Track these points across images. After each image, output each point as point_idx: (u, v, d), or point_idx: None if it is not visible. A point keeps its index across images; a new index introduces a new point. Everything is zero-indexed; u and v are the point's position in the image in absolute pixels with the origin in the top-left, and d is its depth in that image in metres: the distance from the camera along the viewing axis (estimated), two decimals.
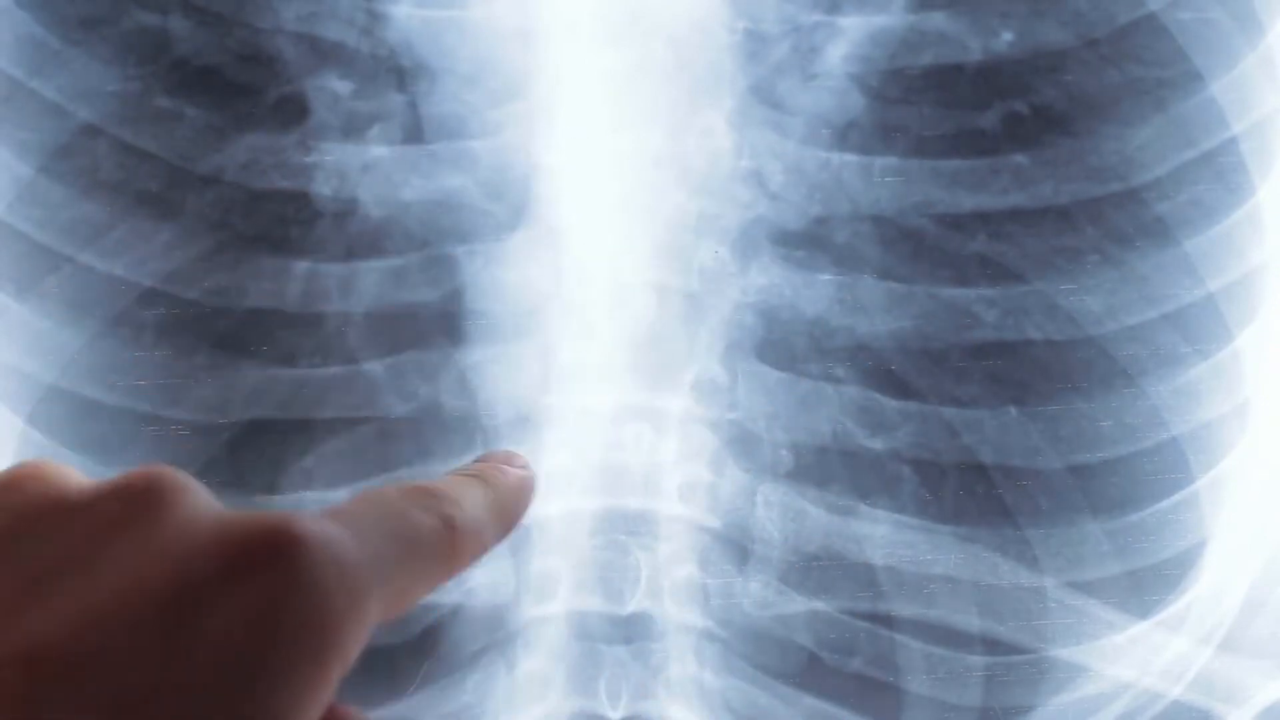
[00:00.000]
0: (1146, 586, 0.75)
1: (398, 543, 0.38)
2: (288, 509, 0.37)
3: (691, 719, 0.74)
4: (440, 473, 0.71)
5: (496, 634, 0.73)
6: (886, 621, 0.74)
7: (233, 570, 0.34)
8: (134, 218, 0.70)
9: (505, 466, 0.48)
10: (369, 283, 0.70)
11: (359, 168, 0.70)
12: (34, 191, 0.69)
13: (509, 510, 0.46)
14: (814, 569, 0.74)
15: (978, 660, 0.74)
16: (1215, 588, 0.75)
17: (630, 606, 0.74)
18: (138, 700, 0.32)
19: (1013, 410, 0.73)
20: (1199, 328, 0.74)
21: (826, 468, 0.74)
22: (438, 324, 0.71)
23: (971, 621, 0.74)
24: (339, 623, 0.34)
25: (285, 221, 0.70)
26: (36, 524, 0.35)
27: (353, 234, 0.70)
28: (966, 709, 0.74)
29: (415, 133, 0.70)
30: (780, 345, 0.73)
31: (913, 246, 0.73)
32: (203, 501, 0.37)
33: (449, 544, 0.41)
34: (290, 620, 0.33)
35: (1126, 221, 0.73)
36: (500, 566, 0.73)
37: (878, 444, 0.73)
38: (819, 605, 0.74)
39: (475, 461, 0.49)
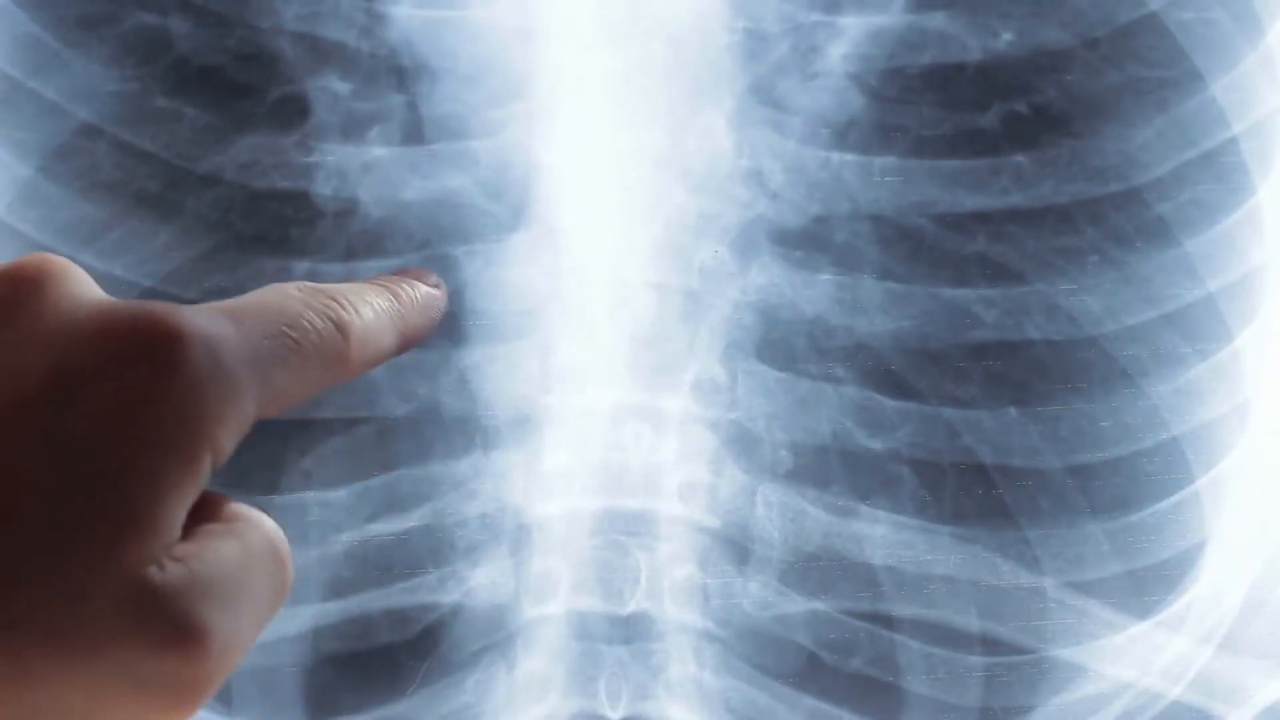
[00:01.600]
0: (1146, 587, 0.75)
1: (282, 341, 0.38)
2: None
3: (691, 719, 0.74)
4: (440, 475, 0.71)
5: (496, 634, 0.73)
6: (886, 622, 0.74)
7: (110, 359, 0.34)
8: (133, 218, 0.70)
9: (415, 281, 0.48)
10: None
11: (359, 168, 0.70)
12: (33, 192, 0.69)
13: (412, 322, 0.46)
14: (814, 569, 0.74)
15: (978, 660, 0.74)
16: (1215, 588, 0.75)
17: (630, 607, 0.74)
18: (5, 484, 0.32)
19: (1012, 410, 0.73)
20: (1199, 328, 0.74)
21: (826, 468, 0.74)
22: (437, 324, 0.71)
23: (971, 622, 0.74)
24: (210, 416, 0.35)
25: (285, 221, 0.70)
26: None
27: (353, 234, 0.70)
28: (966, 709, 0.74)
29: (415, 133, 0.70)
30: (780, 345, 0.73)
31: (912, 246, 0.73)
32: (87, 289, 0.37)
33: (339, 348, 0.41)
34: (160, 413, 0.34)
35: (1127, 221, 0.73)
36: (500, 566, 0.73)
37: (877, 444, 0.73)
38: (819, 605, 0.74)
39: (388, 274, 0.49)
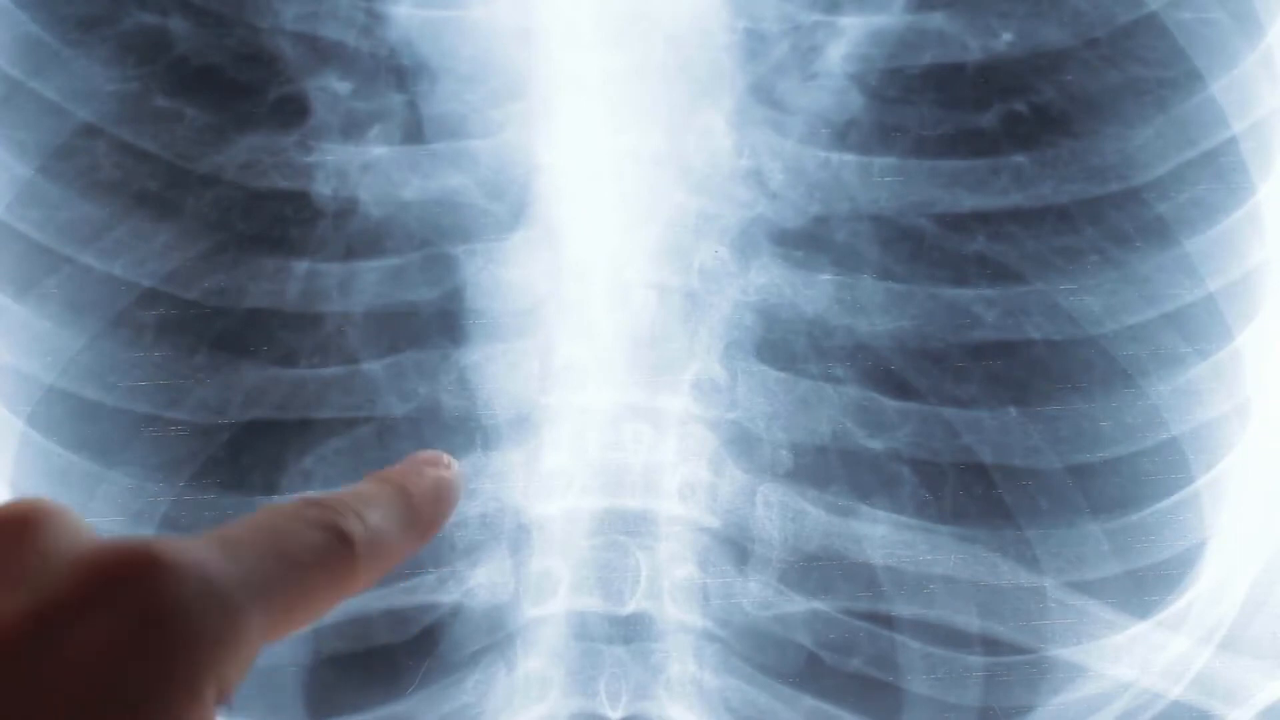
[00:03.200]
0: (1146, 586, 0.75)
1: (278, 560, 0.37)
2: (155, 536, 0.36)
3: (691, 718, 0.74)
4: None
5: (496, 634, 0.74)
6: (886, 621, 0.74)
7: (90, 595, 0.33)
8: (134, 218, 0.70)
9: (424, 468, 0.46)
10: (369, 282, 0.70)
11: (359, 167, 0.70)
12: (33, 192, 0.69)
13: (423, 517, 0.44)
14: (813, 569, 0.74)
15: (977, 660, 0.74)
16: (1215, 587, 0.75)
17: (630, 606, 0.74)
18: None
19: (1012, 410, 0.73)
20: (1199, 327, 0.74)
21: (826, 468, 0.74)
22: (437, 323, 0.71)
23: (971, 621, 0.74)
24: (208, 645, 0.33)
25: (285, 221, 0.70)
26: None
27: (353, 234, 0.70)
28: (966, 709, 0.74)
29: (415, 132, 0.70)
30: (780, 345, 0.73)
31: (912, 246, 0.73)
32: (68, 531, 0.35)
33: (342, 558, 0.39)
34: (155, 642, 0.32)
35: (1126, 221, 0.73)
36: (500, 567, 0.73)
37: (877, 444, 0.73)
38: (818, 605, 0.74)
39: (397, 465, 0.47)
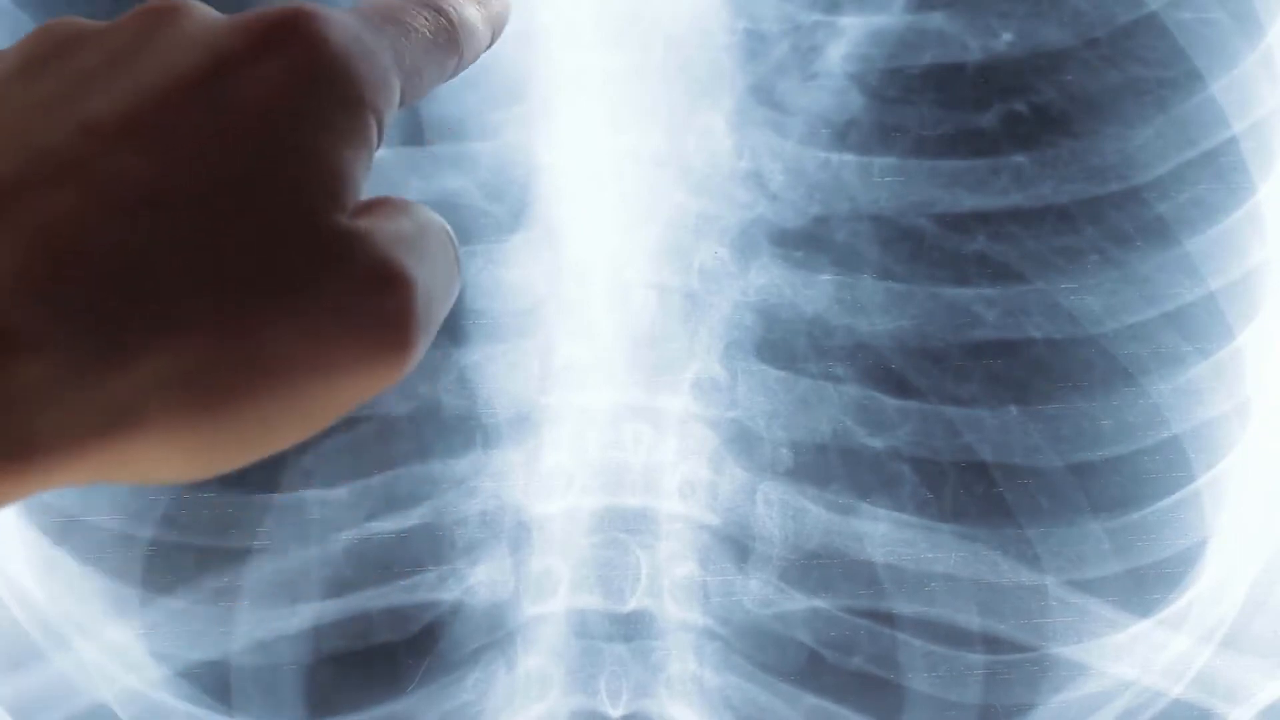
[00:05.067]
0: (1147, 585, 0.75)
1: (404, 27, 0.41)
2: None
3: (692, 717, 0.74)
4: (440, 473, 0.71)
5: (496, 632, 0.74)
6: (887, 619, 0.74)
7: (261, 39, 0.36)
8: None
9: None
10: None
11: None
12: None
13: (497, 18, 0.48)
14: (814, 567, 0.74)
15: (978, 658, 0.74)
16: (1216, 586, 0.75)
17: (630, 605, 0.74)
18: (196, 150, 0.34)
19: (1013, 409, 0.73)
20: (1200, 327, 0.74)
21: (826, 466, 0.74)
22: None
23: (972, 620, 0.74)
24: (364, 82, 0.37)
25: None
26: (73, 43, 0.37)
27: None
28: (967, 707, 0.74)
29: (415, 134, 0.70)
30: (780, 344, 0.73)
31: (912, 246, 0.73)
32: (213, 11, 0.39)
33: (451, 35, 0.43)
34: (319, 77, 0.36)
35: (1127, 221, 0.73)
36: (500, 565, 0.73)
37: (878, 443, 0.73)
38: (819, 603, 0.74)
39: None
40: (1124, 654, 0.75)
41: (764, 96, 0.71)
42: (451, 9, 0.44)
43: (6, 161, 0.33)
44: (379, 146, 0.38)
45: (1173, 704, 0.74)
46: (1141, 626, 0.75)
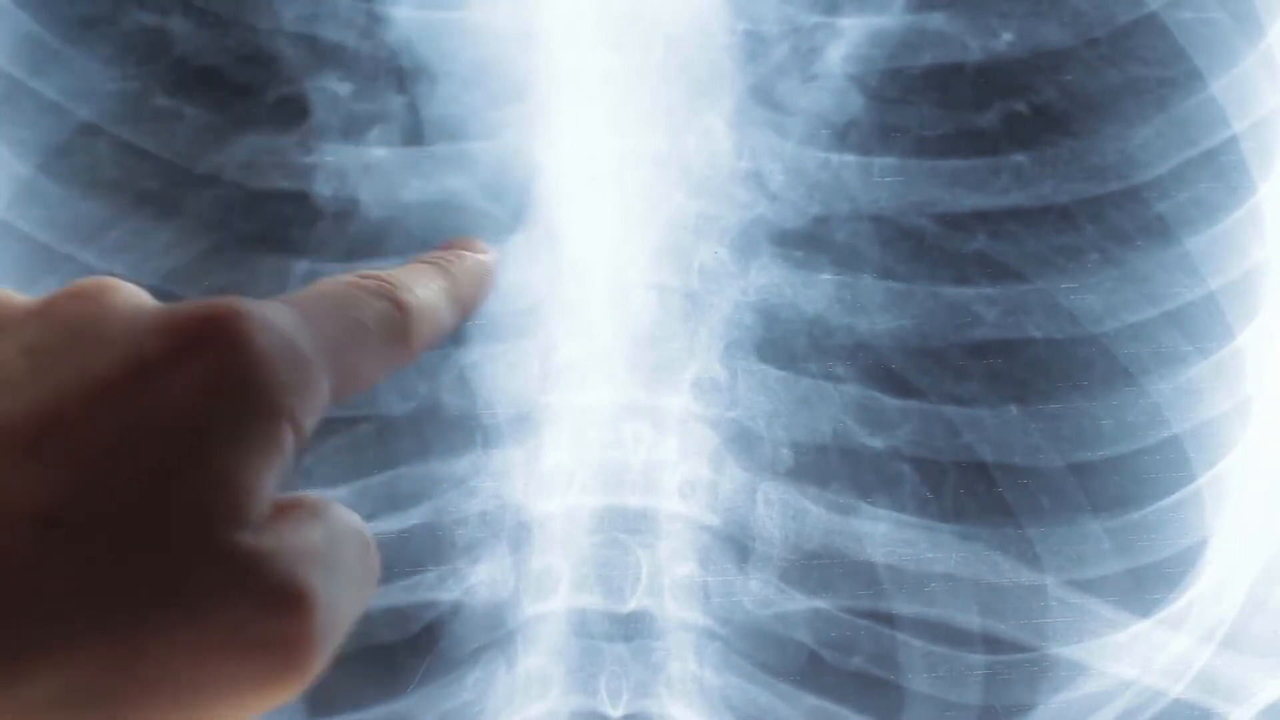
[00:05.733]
0: (1147, 585, 0.75)
1: (344, 320, 0.40)
2: None
3: (692, 717, 0.74)
4: (440, 473, 0.71)
5: (496, 632, 0.74)
6: (887, 620, 0.74)
7: (181, 344, 0.35)
8: (134, 217, 0.70)
9: (463, 252, 0.49)
10: None
11: (359, 169, 0.70)
12: (33, 191, 0.69)
13: (466, 294, 0.48)
14: (814, 567, 0.74)
15: (978, 658, 0.74)
16: (1216, 586, 0.75)
17: (630, 604, 0.74)
18: (97, 467, 0.33)
19: (1013, 409, 0.73)
20: (1200, 326, 0.74)
21: (827, 466, 0.74)
22: None
23: (972, 619, 0.74)
24: (285, 391, 0.36)
25: (285, 221, 0.70)
26: None
27: (353, 235, 0.70)
28: (967, 707, 0.74)
29: (415, 134, 0.70)
30: (780, 344, 0.73)
31: (913, 246, 0.73)
32: (142, 296, 0.38)
33: (399, 325, 0.42)
34: (236, 388, 0.35)
35: (1127, 220, 0.73)
36: (500, 564, 0.73)
37: (878, 442, 0.73)
38: (819, 603, 0.74)
39: (434, 250, 0.50)
40: (1124, 654, 0.75)
41: (764, 97, 0.71)
42: (406, 294, 0.43)
43: None
44: (303, 449, 0.37)
45: (1173, 704, 0.75)
46: (1141, 626, 0.75)
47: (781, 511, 0.74)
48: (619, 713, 0.74)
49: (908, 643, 0.74)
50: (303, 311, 0.38)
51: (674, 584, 0.74)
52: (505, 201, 0.71)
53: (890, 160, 0.72)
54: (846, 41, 0.71)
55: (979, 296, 0.73)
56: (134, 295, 0.38)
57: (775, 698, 0.74)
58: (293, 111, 0.69)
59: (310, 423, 0.37)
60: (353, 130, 0.70)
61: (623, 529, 0.74)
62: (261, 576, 0.34)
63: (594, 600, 0.74)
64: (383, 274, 0.44)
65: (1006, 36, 0.71)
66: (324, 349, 0.38)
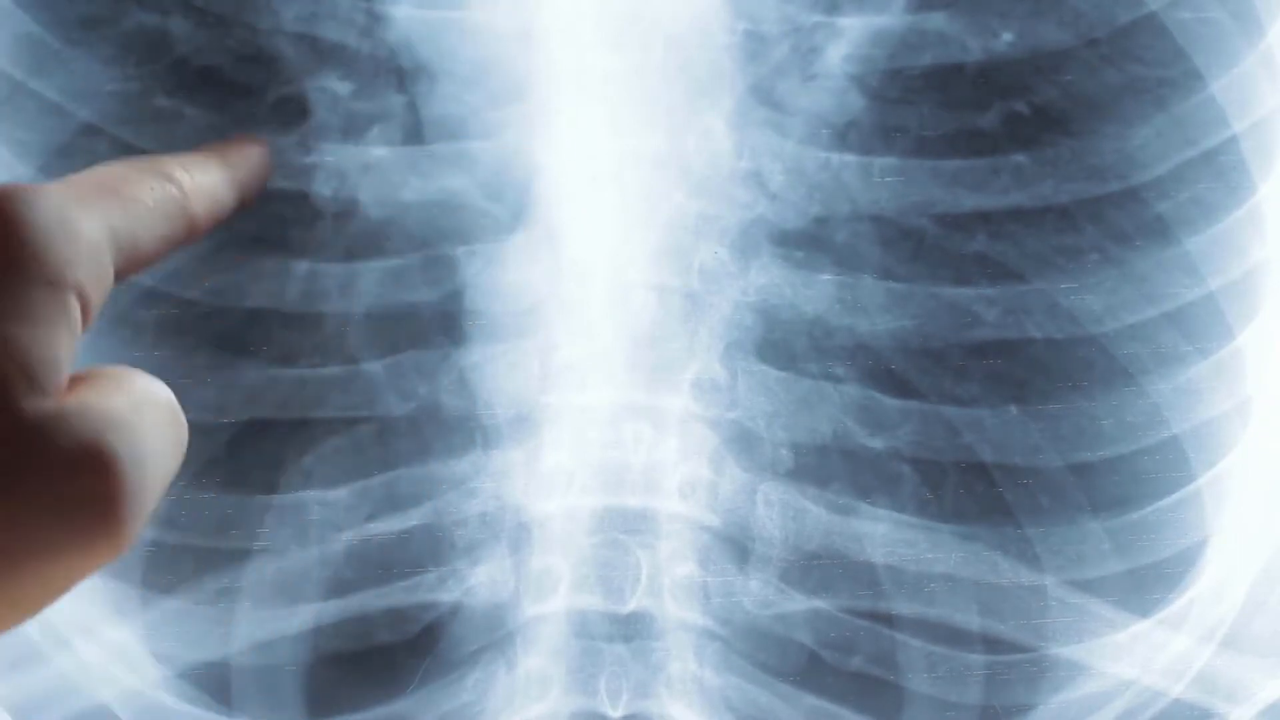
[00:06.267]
0: (1147, 585, 0.75)
1: (120, 199, 0.41)
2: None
3: (692, 717, 0.74)
4: (440, 474, 0.71)
5: (496, 632, 0.74)
6: (887, 620, 0.74)
7: None
8: None
9: (240, 143, 0.50)
10: (369, 283, 0.70)
11: (359, 168, 0.70)
12: None
13: (243, 178, 0.48)
14: (814, 567, 0.74)
15: (978, 659, 0.74)
16: (1217, 586, 0.75)
17: (630, 605, 0.74)
18: None
19: (1013, 409, 0.73)
20: (1200, 326, 0.74)
21: (827, 466, 0.74)
22: (437, 324, 0.71)
23: (972, 620, 0.74)
24: (64, 259, 0.37)
25: (285, 221, 0.70)
26: None
27: (353, 234, 0.70)
28: (967, 707, 0.74)
29: (415, 134, 0.70)
30: (780, 345, 0.73)
31: (913, 246, 0.73)
32: None
33: (177, 202, 0.43)
34: (19, 258, 0.36)
35: (1127, 220, 0.73)
36: (500, 565, 0.73)
37: (878, 443, 0.73)
38: (819, 604, 0.74)
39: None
40: (1124, 654, 0.75)
41: (764, 97, 0.71)
42: (183, 174, 0.43)
43: None
44: (89, 322, 0.37)
45: (1173, 704, 0.75)
46: (1142, 626, 0.75)
47: (781, 512, 0.74)
48: (619, 713, 0.74)
49: (907, 643, 0.74)
50: (77, 190, 0.39)
51: (674, 584, 0.74)
52: (505, 201, 0.71)
53: (890, 160, 0.72)
54: (846, 41, 0.71)
55: (979, 297, 0.73)
56: None
57: (775, 698, 0.74)
58: (293, 111, 0.69)
59: (97, 296, 0.38)
60: (353, 130, 0.70)
61: (623, 529, 0.74)
62: (64, 439, 0.34)
63: (594, 601, 0.74)
64: (159, 157, 0.45)
65: (1006, 36, 0.71)
66: (101, 224, 0.39)
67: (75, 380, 0.37)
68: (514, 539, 0.73)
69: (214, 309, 0.70)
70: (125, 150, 0.69)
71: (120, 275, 0.39)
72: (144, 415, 0.37)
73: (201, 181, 0.44)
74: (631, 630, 0.74)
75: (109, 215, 0.39)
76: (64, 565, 0.34)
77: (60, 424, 0.34)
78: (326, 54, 0.69)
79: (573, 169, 0.71)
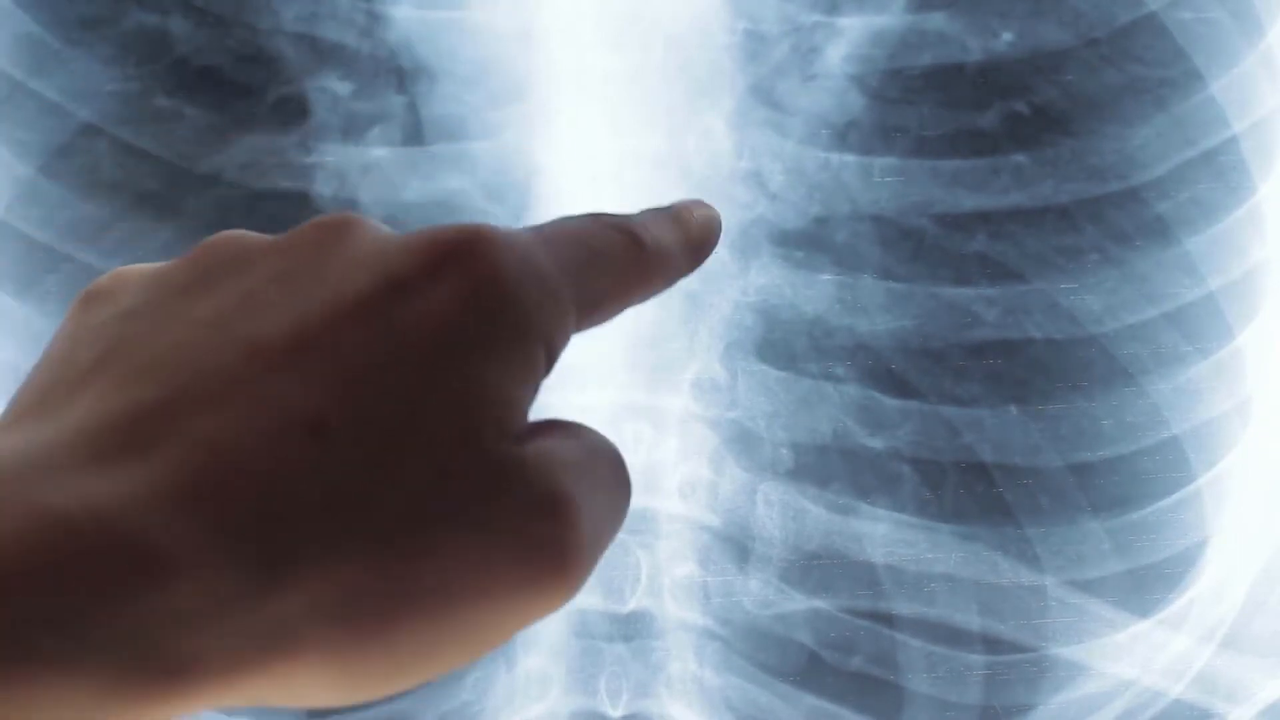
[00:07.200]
0: (1147, 585, 0.75)
1: (586, 250, 0.40)
2: None
3: (692, 717, 0.74)
4: None
5: None
6: (887, 620, 0.74)
7: (434, 263, 0.36)
8: (134, 218, 0.70)
9: (692, 207, 0.50)
10: None
11: (359, 169, 0.70)
12: (34, 191, 0.69)
13: (697, 241, 0.48)
14: (814, 567, 0.74)
15: (978, 659, 0.74)
16: (1216, 586, 0.75)
17: (630, 604, 0.74)
18: (360, 378, 0.34)
19: (1013, 409, 0.73)
20: (1200, 326, 0.74)
21: (827, 466, 0.74)
22: None
23: (972, 620, 0.74)
24: (537, 310, 0.36)
25: (285, 221, 0.70)
26: (240, 261, 0.37)
27: None
28: (967, 707, 0.74)
29: (415, 134, 0.70)
30: (780, 344, 0.73)
31: (913, 246, 0.73)
32: (384, 227, 0.39)
33: (638, 258, 0.42)
34: (495, 302, 0.36)
35: (1127, 220, 0.73)
36: None
37: (878, 443, 0.73)
38: (819, 603, 0.74)
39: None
40: (1124, 654, 0.75)
41: (764, 97, 0.71)
42: (645, 234, 0.42)
43: (168, 379, 0.33)
44: (548, 373, 0.37)
45: (1173, 704, 0.75)
46: (1142, 626, 0.75)
47: (781, 512, 0.74)
48: (619, 713, 0.74)
49: (907, 643, 0.74)
50: (549, 240, 0.39)
51: (674, 584, 0.74)
52: (505, 202, 0.71)
53: (890, 160, 0.72)
54: (846, 41, 0.71)
55: (979, 296, 0.73)
56: (376, 225, 0.38)
57: (775, 698, 0.74)
58: (293, 111, 0.69)
59: (559, 348, 0.38)
60: (353, 130, 0.70)
61: (623, 529, 0.74)
62: (528, 484, 0.34)
63: (594, 600, 0.74)
64: (622, 214, 0.44)
65: (1006, 36, 0.71)
66: (569, 275, 0.38)
67: (531, 428, 0.36)
68: None
69: None
70: (125, 151, 0.69)
71: (579, 328, 0.39)
72: (598, 467, 0.37)
73: (662, 241, 0.44)
74: (631, 630, 0.74)
75: (576, 269, 0.39)
76: (510, 609, 0.34)
77: (524, 468, 0.34)
78: (326, 54, 0.69)
79: (573, 169, 0.71)
